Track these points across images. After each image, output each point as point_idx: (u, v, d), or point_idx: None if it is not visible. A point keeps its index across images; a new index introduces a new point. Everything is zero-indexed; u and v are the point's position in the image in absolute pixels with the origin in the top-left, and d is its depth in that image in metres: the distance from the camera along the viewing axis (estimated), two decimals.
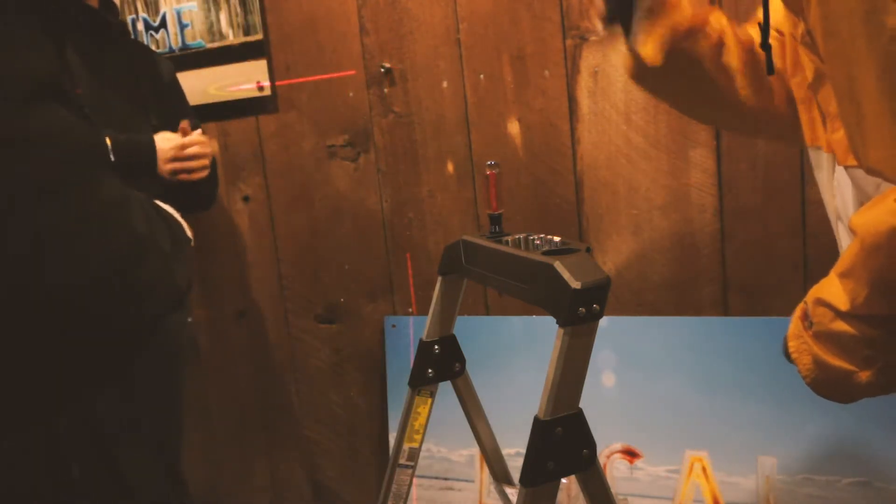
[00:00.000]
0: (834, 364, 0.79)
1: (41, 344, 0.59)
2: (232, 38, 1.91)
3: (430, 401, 1.21)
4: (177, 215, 0.81)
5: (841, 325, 0.77)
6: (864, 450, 1.43)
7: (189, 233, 0.82)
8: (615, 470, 1.63)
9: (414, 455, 1.22)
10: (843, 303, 0.75)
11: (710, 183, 1.53)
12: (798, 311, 0.84)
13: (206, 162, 1.64)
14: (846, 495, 1.44)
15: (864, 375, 0.79)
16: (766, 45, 0.99)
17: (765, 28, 0.97)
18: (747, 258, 1.55)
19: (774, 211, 1.49)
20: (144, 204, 0.66)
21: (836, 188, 0.96)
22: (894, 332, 0.75)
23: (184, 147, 1.59)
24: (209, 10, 1.91)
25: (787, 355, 0.87)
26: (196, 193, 1.67)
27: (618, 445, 1.63)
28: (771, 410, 1.49)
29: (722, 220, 1.54)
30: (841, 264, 0.76)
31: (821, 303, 0.79)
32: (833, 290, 0.77)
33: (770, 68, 1.00)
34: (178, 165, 1.58)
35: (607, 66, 1.57)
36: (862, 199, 0.82)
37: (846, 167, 0.91)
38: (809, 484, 1.47)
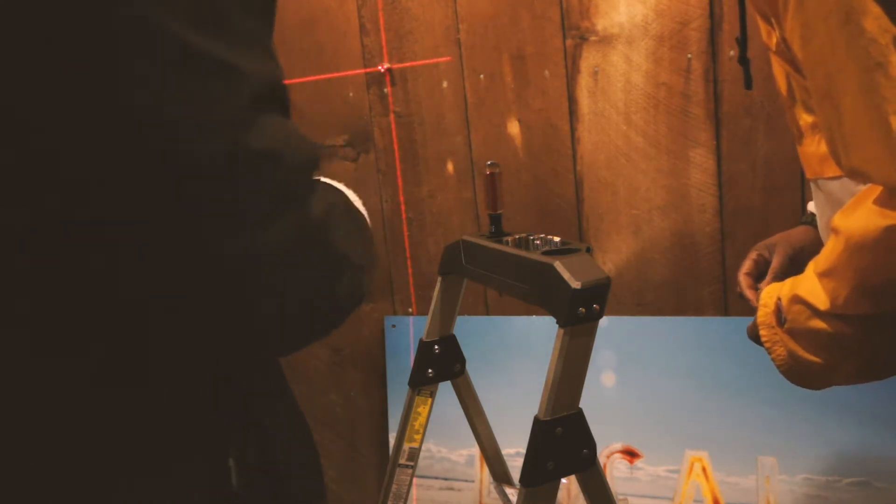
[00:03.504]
0: (809, 359, 0.80)
1: (226, 370, 0.57)
2: None
3: (430, 401, 1.21)
4: (360, 205, 0.74)
5: (818, 324, 0.77)
6: (864, 450, 1.43)
7: (368, 221, 0.74)
8: (615, 470, 1.63)
9: (414, 455, 1.22)
10: (822, 302, 0.76)
11: (710, 183, 1.53)
12: (769, 301, 0.84)
13: None
14: (846, 495, 1.44)
15: (839, 369, 0.79)
16: (743, 60, 0.99)
17: (742, 42, 0.98)
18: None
19: (774, 211, 1.49)
20: (343, 209, 0.60)
21: (815, 205, 0.97)
22: (870, 331, 0.75)
23: None
24: None
25: (756, 339, 0.87)
26: None
27: (618, 445, 1.63)
28: (771, 410, 1.49)
29: (722, 220, 1.54)
30: (821, 263, 0.76)
31: (797, 300, 0.79)
32: (811, 288, 0.77)
33: (748, 83, 1.01)
34: None
35: (607, 66, 1.57)
36: (835, 210, 0.82)
37: (816, 180, 0.91)
38: (809, 484, 1.47)
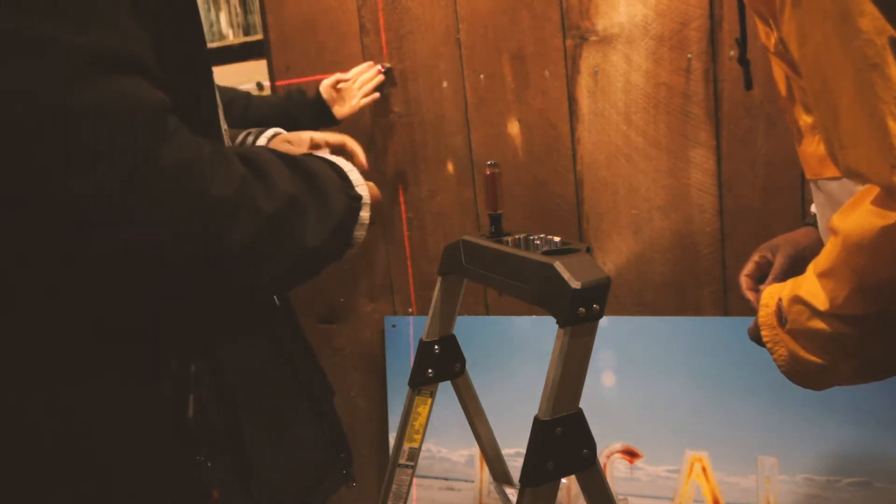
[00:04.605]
0: (810, 359, 0.80)
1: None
2: (232, 38, 1.91)
3: (430, 401, 1.21)
4: (348, 171, 0.78)
5: (818, 324, 0.77)
6: (864, 450, 1.43)
7: (361, 190, 0.78)
8: (615, 470, 1.63)
9: (414, 455, 1.22)
10: (821, 302, 0.76)
11: (710, 183, 1.53)
12: (770, 302, 0.85)
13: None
14: (846, 495, 1.44)
15: (839, 370, 0.80)
16: (743, 60, 0.99)
17: (742, 42, 0.98)
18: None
19: (774, 211, 1.49)
20: (254, 162, 0.65)
21: (816, 205, 0.97)
22: (870, 330, 0.75)
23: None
24: (209, 9, 1.91)
25: (757, 340, 0.87)
26: None
27: (618, 445, 1.63)
28: (771, 410, 1.49)
29: (722, 220, 1.54)
30: (820, 264, 0.77)
31: (798, 301, 0.79)
32: (811, 288, 0.77)
33: (748, 83, 1.01)
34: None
35: (607, 66, 1.57)
36: (835, 210, 0.82)
37: (816, 181, 0.91)
38: (809, 484, 1.47)
